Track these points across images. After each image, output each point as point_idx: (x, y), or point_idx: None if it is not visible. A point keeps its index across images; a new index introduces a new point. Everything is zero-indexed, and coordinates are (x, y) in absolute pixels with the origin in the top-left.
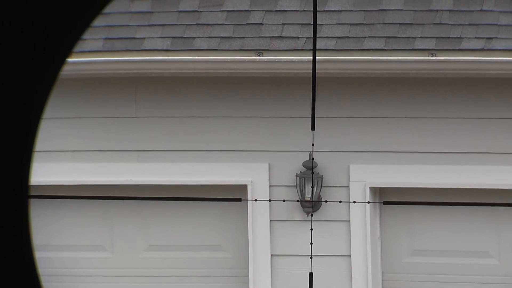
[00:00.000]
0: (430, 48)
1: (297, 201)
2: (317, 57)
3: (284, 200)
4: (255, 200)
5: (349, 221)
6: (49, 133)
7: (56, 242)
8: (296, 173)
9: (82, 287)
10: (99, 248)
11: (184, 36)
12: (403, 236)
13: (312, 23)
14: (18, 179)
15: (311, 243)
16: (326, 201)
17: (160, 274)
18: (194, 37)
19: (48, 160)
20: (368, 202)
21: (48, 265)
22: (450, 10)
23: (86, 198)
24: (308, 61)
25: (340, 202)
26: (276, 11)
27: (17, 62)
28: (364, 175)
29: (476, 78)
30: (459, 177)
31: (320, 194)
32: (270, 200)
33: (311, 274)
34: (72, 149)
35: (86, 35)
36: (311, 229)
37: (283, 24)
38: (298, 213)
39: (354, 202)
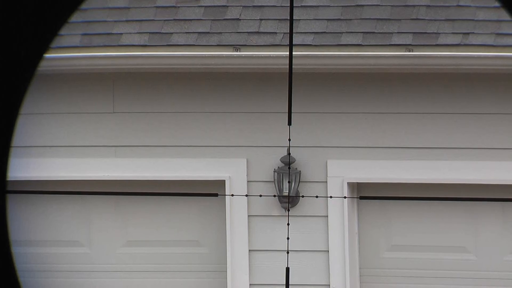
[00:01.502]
0: (407, 43)
1: (274, 196)
2: (294, 53)
3: (261, 195)
4: (232, 195)
5: (327, 216)
6: (26, 129)
7: (33, 237)
8: (274, 169)
9: (60, 283)
10: (76, 244)
11: (162, 32)
12: (381, 232)
13: (289, 18)
14: None
15: (288, 238)
16: (303, 196)
17: (137, 270)
18: (172, 33)
19: (25, 156)
20: (345, 197)
21: (25, 261)
22: (427, 6)
23: (63, 193)
24: (285, 57)
25: (317, 197)
26: (254, 6)
27: None
28: (341, 171)
29: (452, 73)
30: (436, 173)
31: (298, 189)
32: (247, 195)
33: (287, 269)
34: (49, 144)
35: (64, 30)
36: (288, 224)
37: (261, 19)
38: (276, 209)
39: (331, 197)
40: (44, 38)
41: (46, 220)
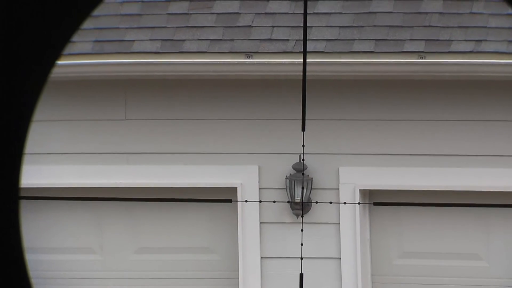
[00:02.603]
0: (420, 50)
1: (288, 202)
2: (307, 60)
3: (274, 201)
4: (246, 201)
5: (339, 223)
6: (39, 136)
7: (46, 244)
8: (286, 176)
9: None
10: (88, 251)
11: (174, 39)
12: (393, 238)
13: (301, 25)
14: (8, 181)
15: (302, 244)
16: (316, 202)
17: (149, 277)
18: (184, 40)
19: (38, 163)
20: (359, 203)
21: (38, 268)
22: (440, 13)
23: (76, 200)
24: (297, 64)
25: (331, 203)
26: (266, 13)
27: (6, 64)
28: (353, 178)
29: (465, 80)
30: (449, 179)
31: (310, 196)
32: (260, 201)
33: (301, 275)
34: (62, 151)
35: (76, 37)
36: (302, 230)
37: (273, 26)
38: (288, 216)
39: (345, 203)
40: (56, 45)
41: (58, 227)
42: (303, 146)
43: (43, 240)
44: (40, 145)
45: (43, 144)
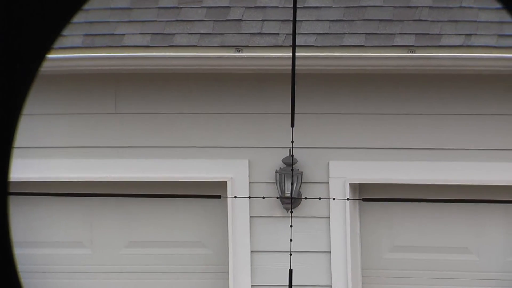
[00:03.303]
0: (410, 44)
1: (277, 198)
2: (296, 54)
3: (264, 197)
4: (235, 197)
5: (329, 217)
6: (29, 130)
7: (36, 238)
8: (276, 170)
9: (62, 284)
10: (79, 245)
11: (164, 33)
12: (383, 232)
13: (291, 19)
14: None
15: (291, 240)
16: (305, 198)
17: (140, 271)
18: (174, 34)
19: (28, 157)
20: (348, 199)
21: (27, 262)
22: (430, 7)
23: (65, 195)
24: (288, 58)
25: (320, 199)
26: (256, 7)
27: None
28: (343, 172)
29: (455, 74)
30: (439, 173)
31: (300, 190)
32: (249, 197)
33: (290, 271)
34: (52, 145)
35: (66, 31)
36: (291, 226)
37: (263, 20)
38: (278, 210)
39: (334, 199)
40: (47, 39)
41: (48, 220)
42: (292, 142)
43: (33, 234)
44: (30, 139)
45: (33, 138)
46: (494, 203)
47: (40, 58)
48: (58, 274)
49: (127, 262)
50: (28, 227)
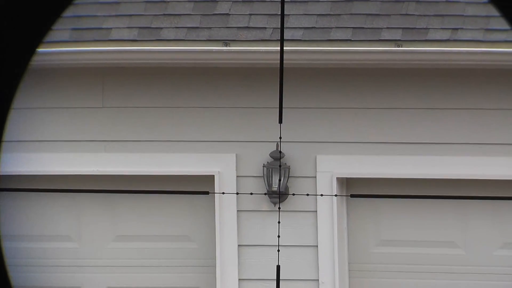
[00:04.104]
0: (397, 39)
1: (265, 194)
2: (284, 48)
3: (251, 193)
4: (223, 193)
5: (316, 211)
6: (16, 123)
7: (23, 232)
8: (264, 164)
9: (49, 278)
10: (66, 239)
11: (151, 27)
12: (370, 227)
13: (279, 13)
14: None
15: (279, 236)
16: (293, 194)
17: (127, 265)
18: (161, 28)
19: (15, 150)
20: (335, 195)
21: (14, 256)
22: (416, 1)
23: (53, 191)
24: (275, 52)
25: (308, 195)
26: (243, 1)
27: None
28: (331, 166)
29: (442, 68)
30: (426, 168)
31: (287, 184)
32: (237, 193)
33: (278, 267)
34: (39, 139)
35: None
36: (279, 222)
37: (250, 14)
38: (265, 204)
39: (322, 195)
40: (37, 33)
41: (36, 214)
42: (280, 138)
43: (20, 227)
44: (17, 132)
45: (20, 131)
46: (482, 199)
47: (31, 52)
48: (46, 268)
49: (115, 256)
50: (15, 221)
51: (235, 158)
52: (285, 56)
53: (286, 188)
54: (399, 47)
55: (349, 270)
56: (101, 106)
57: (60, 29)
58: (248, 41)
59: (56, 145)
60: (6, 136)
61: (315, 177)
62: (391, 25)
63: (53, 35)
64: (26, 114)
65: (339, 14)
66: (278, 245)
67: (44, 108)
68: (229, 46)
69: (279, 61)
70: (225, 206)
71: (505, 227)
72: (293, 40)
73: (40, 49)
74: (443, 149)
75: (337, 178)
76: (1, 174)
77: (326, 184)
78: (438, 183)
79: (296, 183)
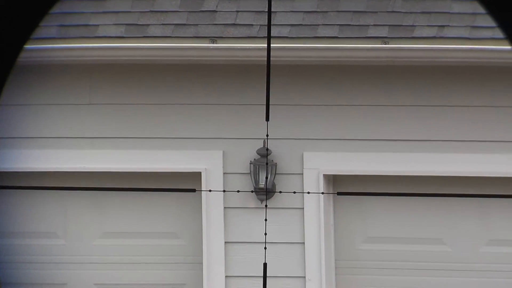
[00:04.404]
0: (383, 36)
1: (252, 191)
2: (271, 45)
3: (238, 191)
4: (210, 190)
5: (303, 208)
6: (2, 120)
7: (9, 229)
8: (250, 161)
9: (36, 274)
10: (52, 235)
11: (138, 23)
12: (357, 223)
13: (266, 10)
14: None
15: (265, 234)
16: (280, 192)
17: (114, 261)
18: (148, 24)
19: (1, 147)
20: (322, 193)
21: (0, 252)
22: None
23: (40, 189)
24: (262, 49)
25: (294, 192)
26: None
27: None
28: (318, 163)
29: (428, 66)
30: (413, 165)
31: (274, 181)
32: (224, 191)
33: (265, 265)
34: (26, 135)
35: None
36: (265, 220)
37: (237, 11)
38: (252, 201)
39: (308, 192)
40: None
41: (22, 211)
42: (267, 135)
43: (6, 224)
44: (3, 129)
45: (7, 128)
46: (468, 197)
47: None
48: (32, 264)
49: (101, 252)
50: (1, 217)
51: (222, 155)
52: (272, 53)
53: (273, 185)
54: (385, 44)
55: (335, 267)
56: (88, 103)
57: (47, 26)
58: (235, 38)
59: (42, 141)
60: None
61: (302, 174)
62: (378, 22)
63: (40, 31)
64: (13, 111)
65: (326, 11)
66: (265, 242)
67: (31, 104)
68: (216, 43)
69: (266, 58)
70: (212, 203)
71: (491, 224)
72: (280, 37)
73: (27, 46)
74: (430, 146)
75: (324, 175)
76: None
77: (313, 181)
78: (424, 180)
79: (283, 180)
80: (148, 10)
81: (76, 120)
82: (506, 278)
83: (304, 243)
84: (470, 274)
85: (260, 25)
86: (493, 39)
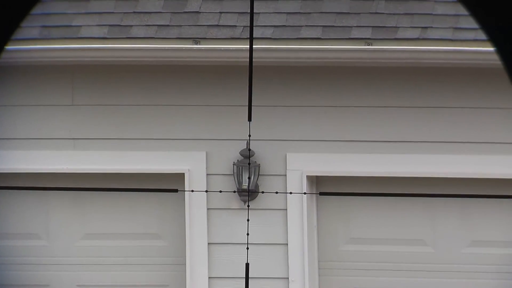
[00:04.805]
0: (367, 37)
1: (234, 192)
2: (254, 46)
3: (220, 191)
4: (192, 191)
5: (286, 209)
6: None
7: None
8: (234, 162)
9: (17, 275)
10: (34, 237)
11: (121, 24)
12: (340, 225)
13: (249, 11)
14: None
15: (248, 234)
16: (262, 192)
17: (96, 263)
18: (131, 25)
19: None
20: (305, 193)
21: None
22: (386, 0)
23: (22, 189)
24: (245, 50)
25: (277, 193)
26: None
27: None
28: (301, 164)
29: (411, 67)
30: (395, 166)
31: (257, 182)
32: (207, 191)
33: (247, 265)
34: (7, 136)
35: (23, 22)
36: (248, 220)
37: (221, 12)
38: (235, 202)
39: (291, 193)
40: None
41: (4, 212)
42: (249, 136)
43: None
44: None
45: None
46: (449, 197)
47: None
48: (14, 266)
49: (83, 254)
50: None
51: (205, 156)
52: (255, 54)
53: (256, 186)
54: (369, 45)
55: (319, 268)
56: (70, 104)
57: (29, 27)
58: (218, 39)
59: (25, 142)
60: None
61: (285, 175)
62: (361, 23)
63: (22, 32)
64: None
65: (309, 13)
66: (247, 243)
67: (13, 105)
68: (199, 44)
69: (248, 62)
70: (195, 204)
71: (473, 225)
72: (263, 39)
73: (8, 47)
74: (412, 147)
75: (307, 176)
76: None
77: (296, 182)
78: (407, 181)
79: (266, 181)
80: (131, 11)
81: (58, 121)
82: (488, 279)
83: (287, 244)
84: (452, 275)
85: (244, 26)
86: (476, 41)
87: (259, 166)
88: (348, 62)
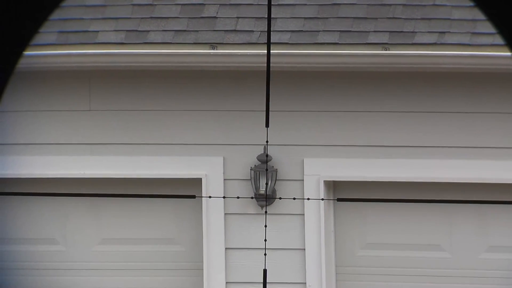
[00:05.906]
0: (384, 42)
1: (252, 198)
2: (271, 51)
3: (238, 197)
4: (210, 197)
5: (303, 214)
6: (3, 126)
7: (8, 235)
8: (251, 167)
9: (35, 280)
10: (52, 242)
11: (138, 30)
12: (357, 230)
13: (266, 16)
14: None
15: (265, 240)
16: (280, 198)
17: (112, 268)
18: (148, 31)
19: (1, 153)
20: (322, 199)
21: (0, 259)
22: (403, 5)
23: (38, 195)
24: (262, 55)
25: (294, 199)
26: (231, 4)
27: None
28: (318, 169)
29: (428, 72)
30: (412, 171)
31: (275, 187)
32: (224, 197)
33: (265, 271)
34: (26, 142)
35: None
36: (265, 226)
37: (238, 17)
38: (252, 207)
39: (308, 199)
40: (24, 36)
41: (21, 217)
42: (267, 142)
43: (5, 231)
44: (4, 135)
45: (7, 134)
46: (466, 203)
47: (17, 55)
48: (31, 270)
49: (100, 259)
50: (0, 224)
51: (222, 161)
52: (272, 60)
53: (274, 191)
54: (386, 50)
55: (336, 273)
56: (88, 109)
57: (47, 32)
58: (235, 44)
59: (42, 148)
60: None
61: (303, 180)
62: (378, 28)
63: (40, 38)
64: (12, 117)
65: (326, 18)
66: (265, 249)
67: (31, 111)
68: (216, 49)
69: (266, 64)
70: (212, 209)
71: (490, 230)
72: (280, 44)
73: (26, 52)
74: (430, 152)
75: (324, 181)
76: None
77: (313, 187)
78: (424, 186)
79: (283, 186)
80: (148, 16)
81: (75, 126)
82: (505, 285)
83: (304, 249)
84: (469, 280)
85: (261, 31)
86: (493, 46)
87: (276, 171)
88: (365, 67)
